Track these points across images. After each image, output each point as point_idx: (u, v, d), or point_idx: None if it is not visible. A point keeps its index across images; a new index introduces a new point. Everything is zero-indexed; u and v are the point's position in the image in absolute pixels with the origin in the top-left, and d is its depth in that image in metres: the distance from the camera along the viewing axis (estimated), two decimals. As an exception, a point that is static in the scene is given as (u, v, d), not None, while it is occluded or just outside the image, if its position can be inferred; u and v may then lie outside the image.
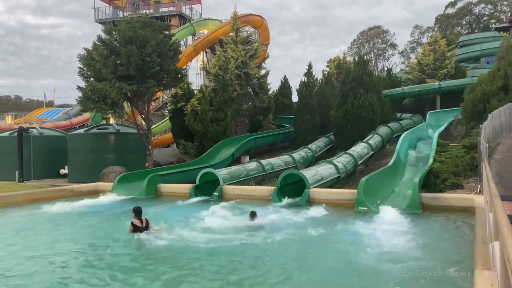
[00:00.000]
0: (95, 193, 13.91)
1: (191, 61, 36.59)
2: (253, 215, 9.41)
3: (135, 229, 8.29)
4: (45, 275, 5.95)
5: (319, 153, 20.01)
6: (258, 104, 24.35)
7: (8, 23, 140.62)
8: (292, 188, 12.30)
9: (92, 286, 5.58)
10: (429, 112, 24.94)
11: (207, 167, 15.47)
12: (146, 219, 8.50)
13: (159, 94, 27.83)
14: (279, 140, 23.95)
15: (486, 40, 36.91)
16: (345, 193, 11.37)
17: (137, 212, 8.44)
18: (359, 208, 10.24)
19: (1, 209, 11.49)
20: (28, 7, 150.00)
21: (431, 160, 13.81)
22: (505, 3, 51.84)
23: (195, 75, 42.30)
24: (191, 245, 7.41)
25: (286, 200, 11.58)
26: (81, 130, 20.80)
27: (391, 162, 13.87)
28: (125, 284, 5.62)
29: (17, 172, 19.85)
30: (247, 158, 20.71)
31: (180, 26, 39.17)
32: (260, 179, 15.49)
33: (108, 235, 8.54)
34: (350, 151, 16.67)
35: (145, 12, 39.80)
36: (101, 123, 24.49)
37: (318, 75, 40.13)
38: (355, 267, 6.10)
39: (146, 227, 8.38)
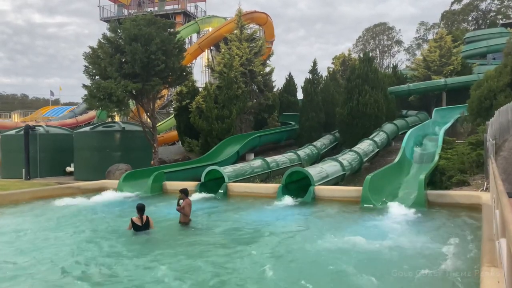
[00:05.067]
0: (101, 191, 13.97)
1: (195, 59, 36.57)
2: (182, 192, 8.95)
3: (134, 226, 8.05)
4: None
5: (324, 151, 19.97)
6: (263, 102, 24.35)
7: (16, 22, 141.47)
8: (297, 186, 12.29)
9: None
10: (435, 109, 24.80)
11: (212, 164, 15.50)
12: (147, 217, 8.17)
13: (164, 92, 27.86)
14: (284, 137, 23.93)
15: (493, 36, 36.56)
16: (351, 191, 11.33)
17: (138, 209, 8.14)
18: (365, 205, 10.22)
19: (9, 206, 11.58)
20: (36, 6, 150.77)
21: (437, 157, 13.75)
22: (512, -2, 51.39)
23: (200, 72, 42.31)
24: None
25: (291, 198, 11.56)
26: (87, 128, 20.89)
27: (396, 159, 13.81)
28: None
29: (23, 170, 20.00)
30: (252, 155, 20.72)
31: (184, 24, 39.18)
32: (265, 177, 15.50)
33: (109, 232, 8.55)
34: (355, 148, 16.62)
35: (150, 10, 39.89)
36: (107, 121, 24.60)
37: (323, 72, 40.05)
38: (355, 266, 6.08)
39: (146, 226, 8.12)
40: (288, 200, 11.38)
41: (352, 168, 15.18)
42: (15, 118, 44.99)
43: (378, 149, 17.76)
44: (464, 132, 19.54)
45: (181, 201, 8.96)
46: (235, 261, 6.40)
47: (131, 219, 8.13)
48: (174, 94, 26.37)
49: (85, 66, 18.12)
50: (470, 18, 55.66)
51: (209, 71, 28.50)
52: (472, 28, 52.28)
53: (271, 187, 12.61)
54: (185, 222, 8.84)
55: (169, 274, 5.75)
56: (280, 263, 6.32)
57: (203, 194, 12.93)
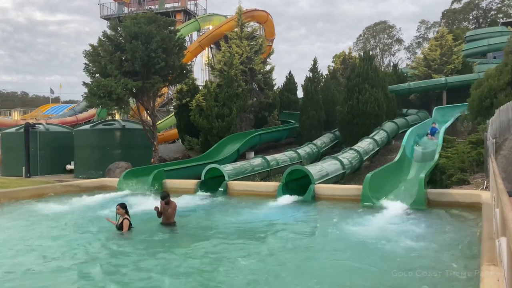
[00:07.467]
0: (101, 189, 13.97)
1: (196, 57, 36.59)
2: (164, 197, 8.53)
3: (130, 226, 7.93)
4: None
5: (324, 149, 19.96)
6: (263, 100, 24.33)
7: (17, 19, 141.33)
8: (297, 184, 12.28)
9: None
10: (435, 107, 24.81)
11: (212, 162, 15.49)
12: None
13: (164, 90, 27.86)
14: (284, 136, 23.93)
15: (493, 35, 36.50)
16: (351, 189, 11.33)
17: (125, 207, 7.99)
18: (365, 204, 10.22)
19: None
20: (37, 4, 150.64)
21: (437, 156, 13.74)
22: (513, -3, 51.31)
23: (200, 71, 42.38)
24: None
25: (291, 196, 11.55)
26: (87, 126, 20.88)
27: (396, 158, 13.80)
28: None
29: (23, 167, 20.00)
30: (252, 154, 20.73)
31: (185, 21, 39.16)
32: (265, 175, 15.51)
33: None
34: (355, 147, 16.62)
35: (150, 8, 39.87)
36: (107, 119, 24.59)
37: (324, 70, 40.08)
38: (355, 263, 6.09)
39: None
40: (288, 198, 11.37)
41: (352, 166, 15.18)
42: (15, 116, 45.01)
43: (378, 148, 17.76)
44: (465, 131, 19.53)
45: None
46: (223, 261, 6.38)
47: (129, 220, 7.93)
48: (174, 92, 26.36)
49: (86, 64, 18.10)
50: (470, 17, 55.62)
51: (209, 69, 28.46)
52: (473, 26, 52.22)
53: (271, 185, 12.61)
54: (168, 223, 8.58)
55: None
56: (278, 263, 6.31)
57: (203, 192, 12.94)
